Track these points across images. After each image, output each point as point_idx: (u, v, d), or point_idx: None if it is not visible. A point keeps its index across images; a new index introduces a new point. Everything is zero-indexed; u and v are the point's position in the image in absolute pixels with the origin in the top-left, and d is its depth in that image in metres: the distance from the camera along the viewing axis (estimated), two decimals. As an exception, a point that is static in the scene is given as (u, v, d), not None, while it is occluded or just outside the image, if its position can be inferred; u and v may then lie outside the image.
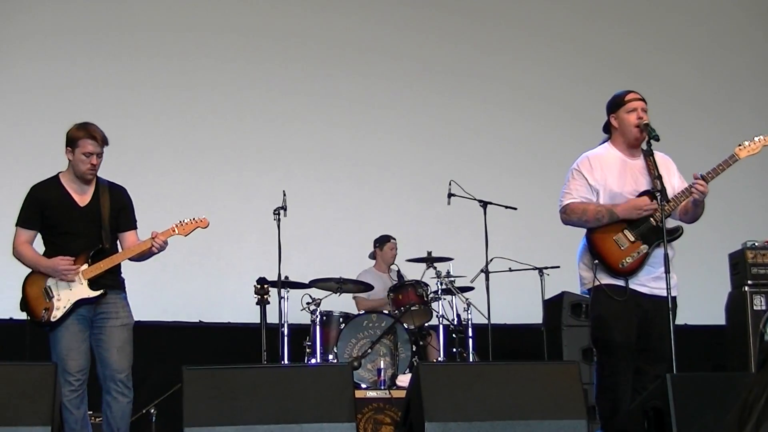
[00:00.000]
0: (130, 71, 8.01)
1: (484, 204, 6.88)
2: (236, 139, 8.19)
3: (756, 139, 4.49)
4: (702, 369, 6.79)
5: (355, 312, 6.76)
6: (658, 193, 4.31)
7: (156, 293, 7.22)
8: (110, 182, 4.71)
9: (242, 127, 8.23)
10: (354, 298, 7.22)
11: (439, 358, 6.54)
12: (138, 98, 7.97)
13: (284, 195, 6.34)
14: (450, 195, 6.86)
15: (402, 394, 5.27)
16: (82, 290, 4.47)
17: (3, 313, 6.95)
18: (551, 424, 3.91)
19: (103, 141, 4.57)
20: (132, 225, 4.72)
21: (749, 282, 6.24)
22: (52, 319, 4.41)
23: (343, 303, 7.01)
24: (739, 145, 4.48)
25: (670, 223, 4.35)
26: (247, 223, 7.74)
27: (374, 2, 8.87)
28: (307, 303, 6.51)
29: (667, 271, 4.18)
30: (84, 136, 4.53)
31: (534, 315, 7.47)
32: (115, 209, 4.63)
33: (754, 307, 6.18)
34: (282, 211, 6.30)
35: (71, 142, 4.56)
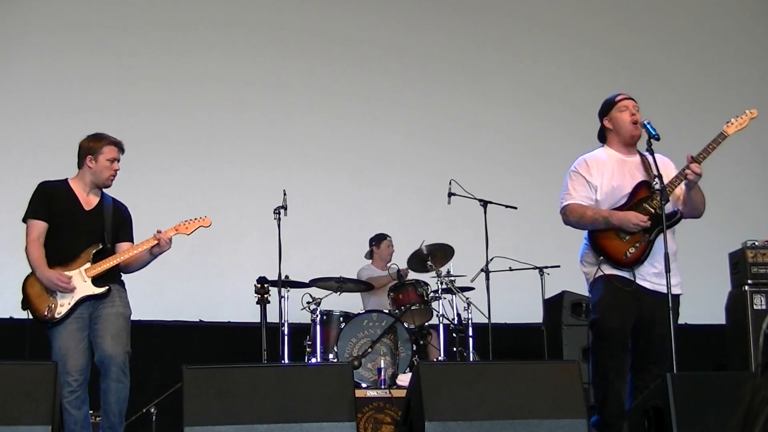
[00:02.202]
0: (129, 68, 8.02)
1: (485, 203, 6.88)
2: (236, 138, 8.19)
3: (743, 114, 4.51)
4: (702, 368, 6.78)
5: (356, 311, 6.75)
6: (656, 186, 4.33)
7: (156, 292, 7.22)
8: (113, 198, 4.78)
9: (242, 126, 8.23)
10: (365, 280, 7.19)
11: (440, 358, 6.53)
12: (138, 95, 7.97)
13: (284, 194, 6.35)
14: (450, 194, 6.86)
15: (402, 393, 5.26)
16: (86, 287, 4.50)
17: (3, 312, 6.96)
18: (551, 424, 3.91)
19: (123, 149, 4.70)
20: (130, 238, 4.77)
21: (749, 281, 6.24)
22: (57, 316, 4.43)
23: (343, 302, 7.01)
24: (727, 122, 4.51)
25: (668, 208, 4.36)
26: (247, 222, 7.74)
27: None
28: (308, 302, 6.51)
29: (668, 270, 4.18)
30: (108, 143, 4.64)
31: (534, 314, 7.47)
32: (117, 221, 4.70)
33: (755, 307, 6.18)
34: (282, 211, 6.32)
35: (92, 150, 4.62)
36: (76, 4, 8.07)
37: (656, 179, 4.34)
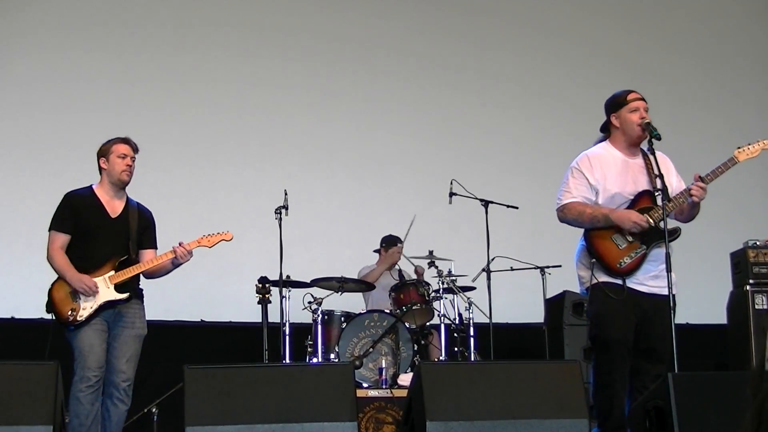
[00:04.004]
0: (130, 68, 8.01)
1: (486, 203, 6.88)
2: (237, 138, 8.19)
3: (756, 142, 4.49)
4: (703, 368, 6.78)
5: (357, 311, 6.75)
6: (658, 193, 4.31)
7: (158, 292, 7.16)
8: (138, 203, 4.91)
9: (243, 126, 8.23)
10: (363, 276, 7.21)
11: (441, 358, 6.53)
12: (138, 95, 7.96)
13: (285, 194, 6.36)
14: (452, 194, 6.87)
15: (403, 393, 5.27)
16: (108, 293, 4.63)
17: (5, 312, 6.96)
18: (552, 423, 3.92)
19: (135, 147, 4.87)
20: (153, 244, 4.93)
21: (751, 281, 6.24)
22: (79, 319, 4.54)
23: (344, 302, 7.00)
24: (739, 148, 4.47)
25: (669, 224, 4.33)
26: (248, 222, 7.73)
27: (376, -1, 8.88)
28: (309, 302, 6.51)
29: (669, 270, 4.17)
30: (116, 142, 4.84)
31: (535, 314, 7.47)
32: (141, 227, 4.84)
33: (756, 306, 6.18)
34: (283, 211, 6.32)
35: (104, 152, 4.82)
36: (77, 3, 8.06)
37: (657, 179, 4.32)
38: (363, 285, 6.96)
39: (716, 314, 6.83)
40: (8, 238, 6.88)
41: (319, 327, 6.40)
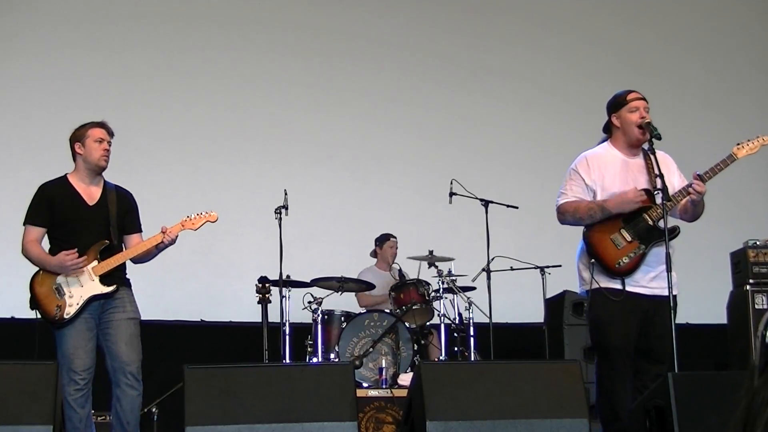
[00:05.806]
0: (130, 66, 8.01)
1: (486, 203, 6.89)
2: (237, 137, 8.19)
3: (755, 138, 4.48)
4: (704, 368, 6.79)
5: (357, 311, 6.75)
6: (658, 192, 4.30)
7: (157, 292, 7.22)
8: (116, 185, 4.75)
9: (243, 125, 8.23)
10: (356, 294, 7.23)
11: (441, 357, 6.53)
12: (138, 93, 7.96)
13: (285, 194, 6.36)
14: (452, 194, 6.87)
15: (403, 393, 5.27)
16: (94, 286, 4.47)
17: (5, 312, 6.96)
18: (552, 423, 3.92)
19: (111, 131, 4.68)
20: (137, 228, 4.75)
21: (751, 281, 6.24)
22: (66, 316, 4.39)
23: (344, 302, 7.01)
24: (738, 144, 4.46)
25: (669, 222, 4.32)
26: (248, 222, 7.74)
27: (376, -3, 8.88)
28: (309, 302, 6.51)
29: (669, 270, 4.16)
30: (91, 126, 4.65)
31: (535, 314, 7.47)
32: (122, 211, 4.67)
33: (756, 306, 6.18)
34: (283, 210, 6.32)
35: (79, 137, 4.64)
36: (76, 2, 8.06)
37: (657, 178, 4.32)
38: (363, 285, 6.96)
39: (716, 314, 6.83)
40: (8, 238, 6.87)
41: (319, 327, 6.40)
